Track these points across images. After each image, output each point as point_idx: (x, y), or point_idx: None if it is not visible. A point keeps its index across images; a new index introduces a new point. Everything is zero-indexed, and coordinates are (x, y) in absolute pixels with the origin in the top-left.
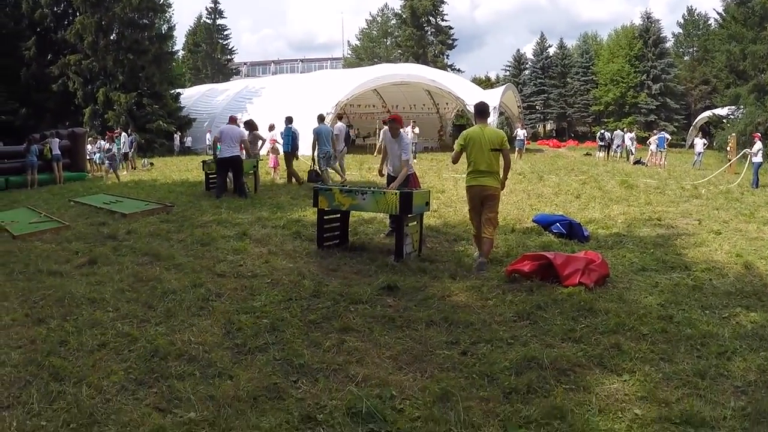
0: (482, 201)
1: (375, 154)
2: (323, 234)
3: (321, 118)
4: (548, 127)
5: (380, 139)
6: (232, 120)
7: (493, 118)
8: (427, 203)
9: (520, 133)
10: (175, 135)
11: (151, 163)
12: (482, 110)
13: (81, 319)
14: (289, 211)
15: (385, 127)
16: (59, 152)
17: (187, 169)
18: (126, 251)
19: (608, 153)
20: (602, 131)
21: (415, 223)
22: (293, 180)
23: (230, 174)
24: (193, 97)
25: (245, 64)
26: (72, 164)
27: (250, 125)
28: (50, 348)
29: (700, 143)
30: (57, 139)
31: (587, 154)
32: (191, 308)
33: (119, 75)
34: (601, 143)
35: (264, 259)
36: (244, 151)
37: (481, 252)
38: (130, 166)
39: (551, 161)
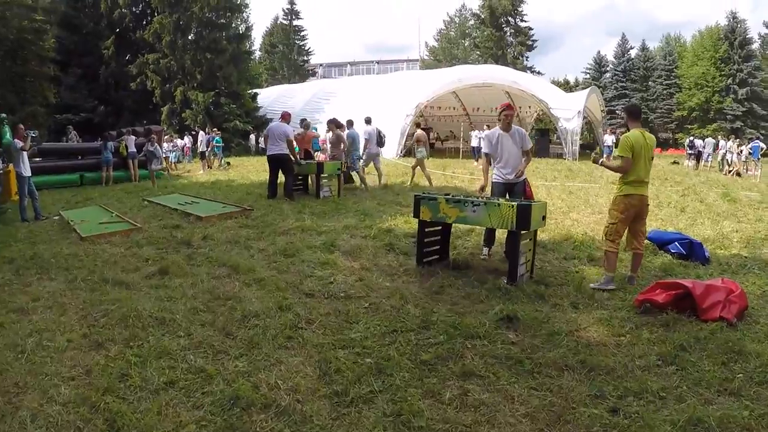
0: (639, 213)
1: (476, 164)
2: (423, 249)
3: (350, 123)
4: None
5: (477, 144)
6: (284, 117)
7: (578, 123)
8: (544, 217)
9: (608, 139)
10: (251, 135)
11: (228, 163)
12: (638, 112)
13: (147, 345)
14: (377, 219)
15: (489, 129)
16: (135, 150)
17: (264, 169)
18: (201, 260)
19: (698, 162)
20: (691, 138)
21: (528, 240)
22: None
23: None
24: (270, 97)
25: (321, 65)
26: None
27: (335, 124)
28: (108, 383)
29: None
30: (133, 137)
31: (674, 162)
32: (277, 338)
33: (197, 74)
34: (690, 151)
35: (357, 275)
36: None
37: (634, 266)
38: (206, 166)
39: None
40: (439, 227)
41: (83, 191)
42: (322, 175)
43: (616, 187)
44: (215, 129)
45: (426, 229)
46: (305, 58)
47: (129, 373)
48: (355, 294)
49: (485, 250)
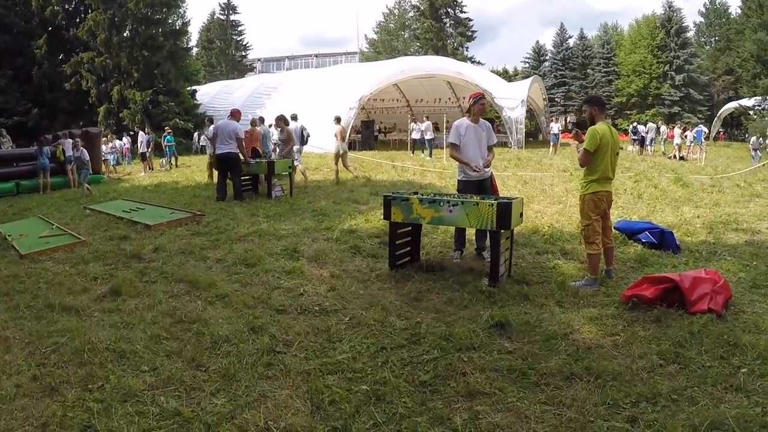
0: (606, 209)
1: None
2: (396, 251)
3: (294, 117)
4: (569, 119)
5: (419, 137)
6: (233, 114)
7: (521, 112)
8: (521, 214)
9: (554, 126)
10: (195, 133)
11: (173, 164)
12: (604, 104)
13: (108, 386)
14: (336, 219)
15: (428, 120)
16: (72, 154)
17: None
18: (155, 276)
19: (642, 147)
20: (635, 124)
21: (506, 239)
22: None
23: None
24: (209, 94)
25: (259, 60)
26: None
27: (284, 121)
28: None
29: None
30: (70, 140)
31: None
32: (255, 366)
33: (134, 72)
34: (634, 137)
35: (327, 284)
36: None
37: (608, 260)
38: (147, 167)
39: None
40: (409, 227)
41: (20, 201)
42: (273, 175)
43: (581, 185)
44: (167, 128)
45: (397, 231)
46: (243, 53)
47: (92, 425)
48: (330, 307)
49: (456, 254)
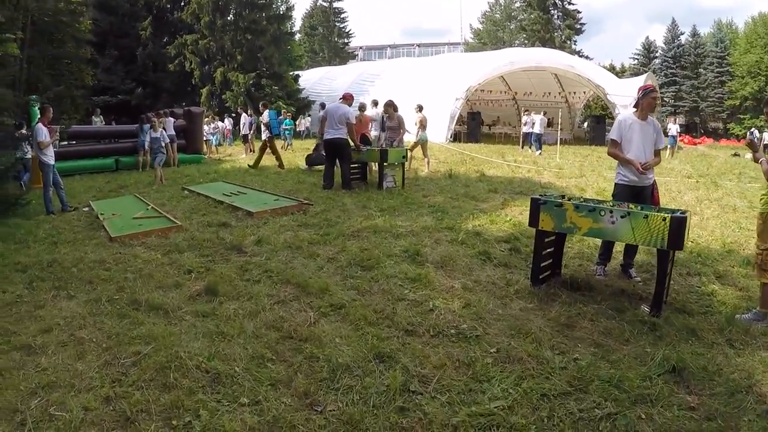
0: None
1: (522, 151)
2: (540, 264)
3: (375, 104)
4: (678, 121)
5: (528, 130)
6: (345, 98)
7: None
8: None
9: (673, 128)
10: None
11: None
12: None
13: (197, 424)
14: (457, 218)
15: (544, 115)
16: (174, 132)
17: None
18: (258, 274)
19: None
20: (752, 130)
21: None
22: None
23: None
24: (311, 79)
25: (361, 48)
26: (188, 145)
27: (393, 107)
28: None
29: None
30: (171, 119)
31: (735, 154)
32: (387, 412)
33: (237, 55)
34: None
35: (460, 299)
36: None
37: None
38: (249, 149)
39: (704, 162)
40: (554, 237)
41: (118, 177)
42: (385, 164)
43: (763, 201)
44: (284, 111)
45: (544, 240)
46: (345, 40)
47: None
48: (469, 331)
49: (600, 268)
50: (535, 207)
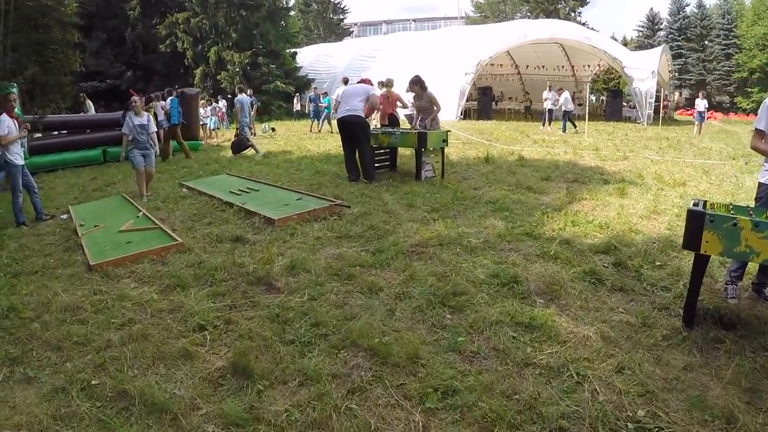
0: None
1: (543, 128)
2: (695, 299)
3: (240, 90)
4: (683, 95)
5: (551, 107)
6: (364, 82)
7: (652, 84)
8: None
9: (700, 104)
10: (294, 97)
11: (273, 129)
12: None
13: None
14: (526, 217)
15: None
16: (165, 118)
17: (318, 136)
18: (305, 331)
19: None
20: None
21: None
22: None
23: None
24: (308, 57)
25: (356, 24)
26: (183, 131)
27: (420, 85)
28: None
29: None
30: (161, 102)
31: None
32: None
33: (231, 33)
34: None
35: (606, 357)
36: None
37: None
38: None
39: (732, 139)
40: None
41: (105, 171)
42: (425, 149)
43: None
44: (316, 88)
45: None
46: (341, 16)
47: None
48: (646, 420)
49: (732, 289)
50: (697, 224)
